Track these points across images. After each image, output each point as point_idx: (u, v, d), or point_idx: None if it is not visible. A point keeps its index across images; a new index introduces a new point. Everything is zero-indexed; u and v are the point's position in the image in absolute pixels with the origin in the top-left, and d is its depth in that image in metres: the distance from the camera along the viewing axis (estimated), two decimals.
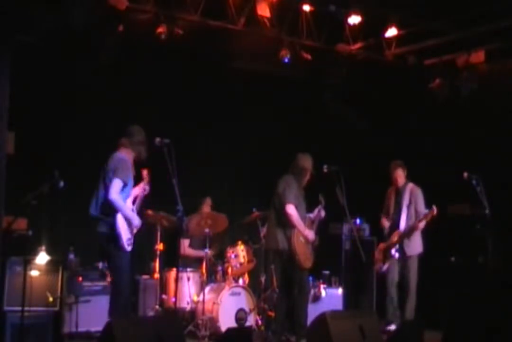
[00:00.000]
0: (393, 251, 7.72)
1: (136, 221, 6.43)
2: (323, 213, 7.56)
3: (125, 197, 6.37)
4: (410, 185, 7.92)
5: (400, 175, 7.92)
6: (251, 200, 8.67)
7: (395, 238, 7.75)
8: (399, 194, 7.92)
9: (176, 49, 8.30)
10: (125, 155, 6.47)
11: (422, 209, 7.73)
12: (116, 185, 6.22)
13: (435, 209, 7.47)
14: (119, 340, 4.97)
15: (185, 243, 8.18)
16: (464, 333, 6.17)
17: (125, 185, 6.32)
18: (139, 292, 7.82)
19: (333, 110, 9.62)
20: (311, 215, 7.55)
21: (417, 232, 7.78)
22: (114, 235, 6.26)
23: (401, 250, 7.72)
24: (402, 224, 7.77)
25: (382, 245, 7.90)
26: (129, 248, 6.38)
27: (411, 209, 7.79)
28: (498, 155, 8.38)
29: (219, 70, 8.79)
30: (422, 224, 7.69)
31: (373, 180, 8.18)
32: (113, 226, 6.25)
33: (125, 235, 6.31)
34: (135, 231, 6.47)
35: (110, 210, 6.26)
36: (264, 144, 9.24)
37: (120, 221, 6.27)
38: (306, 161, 7.45)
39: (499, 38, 8.37)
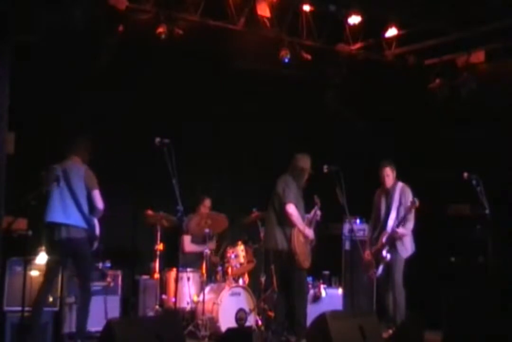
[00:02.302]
0: (384, 253, 7.58)
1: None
2: (319, 215, 7.53)
3: None
4: (400, 185, 7.72)
5: (388, 174, 7.72)
6: (251, 200, 8.67)
7: (383, 239, 7.60)
8: (388, 194, 7.73)
9: (176, 49, 8.30)
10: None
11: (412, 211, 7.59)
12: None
13: (416, 201, 7.35)
14: (119, 340, 4.97)
15: (187, 239, 8.20)
16: (464, 333, 6.17)
17: None
18: (139, 292, 7.83)
19: (333, 110, 9.61)
20: (308, 216, 7.54)
21: (410, 235, 7.67)
22: (92, 239, 6.68)
23: (396, 253, 7.58)
24: (390, 223, 7.56)
25: (373, 249, 7.65)
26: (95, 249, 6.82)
27: (401, 210, 7.58)
28: (498, 156, 8.38)
29: (219, 70, 8.79)
30: (406, 228, 7.54)
31: (373, 180, 8.17)
32: (93, 231, 6.70)
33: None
34: None
35: (91, 221, 6.70)
36: (264, 144, 9.24)
37: (98, 230, 6.78)
38: (305, 162, 7.46)
39: (499, 38, 8.37)
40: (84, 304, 6.68)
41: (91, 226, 6.68)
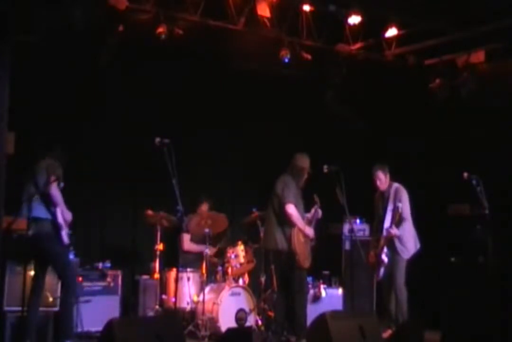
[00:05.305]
0: (383, 256, 7.58)
1: (69, 214, 6.57)
2: (319, 213, 7.52)
3: None
4: (394, 186, 7.67)
5: (380, 178, 7.67)
6: (251, 200, 8.67)
7: (381, 242, 7.57)
8: (384, 197, 7.70)
9: (176, 49, 8.30)
10: None
11: (406, 211, 7.53)
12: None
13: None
14: (119, 340, 4.97)
15: (186, 238, 8.20)
16: (464, 333, 6.17)
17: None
18: (139, 292, 7.83)
19: (333, 110, 9.61)
20: (308, 215, 7.53)
21: (409, 235, 7.64)
22: (58, 233, 6.43)
23: (396, 254, 7.57)
24: (385, 226, 7.53)
25: (374, 252, 7.68)
26: (68, 241, 6.54)
27: (396, 212, 7.49)
28: (498, 155, 8.38)
29: (219, 70, 8.79)
30: (403, 228, 7.50)
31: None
32: (56, 224, 6.43)
33: (65, 230, 6.49)
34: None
35: (50, 208, 6.43)
36: (264, 144, 9.24)
37: (60, 217, 6.46)
38: (304, 161, 7.46)
39: (499, 38, 8.37)
40: (66, 304, 6.54)
41: (52, 214, 6.43)
